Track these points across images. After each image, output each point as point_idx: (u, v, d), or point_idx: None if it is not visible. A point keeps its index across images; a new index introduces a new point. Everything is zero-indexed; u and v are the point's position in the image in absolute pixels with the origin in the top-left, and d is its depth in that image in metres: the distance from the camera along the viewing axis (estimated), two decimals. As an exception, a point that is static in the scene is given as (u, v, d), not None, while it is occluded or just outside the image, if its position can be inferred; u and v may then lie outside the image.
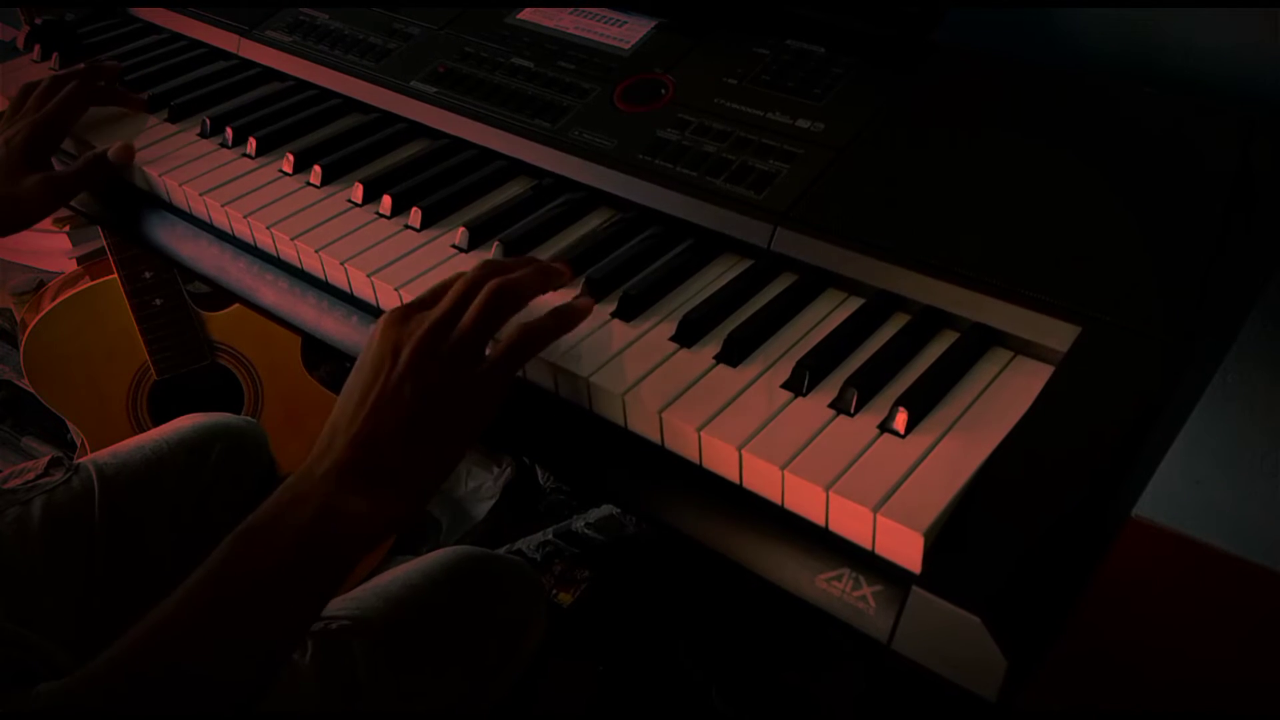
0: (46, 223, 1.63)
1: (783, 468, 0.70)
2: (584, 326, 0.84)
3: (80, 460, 1.23)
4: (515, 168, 1.06)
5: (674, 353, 0.81)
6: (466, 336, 0.76)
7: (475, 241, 0.96)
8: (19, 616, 1.00)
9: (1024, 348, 0.79)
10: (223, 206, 1.05)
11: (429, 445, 0.74)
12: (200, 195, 1.07)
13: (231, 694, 0.70)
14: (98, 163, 1.13)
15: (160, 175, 1.11)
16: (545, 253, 0.94)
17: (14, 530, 1.13)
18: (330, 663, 1.01)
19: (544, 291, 0.84)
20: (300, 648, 1.02)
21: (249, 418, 1.40)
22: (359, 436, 0.73)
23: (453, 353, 0.75)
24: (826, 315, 0.85)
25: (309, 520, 0.71)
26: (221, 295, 1.50)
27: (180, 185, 1.09)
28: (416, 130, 1.14)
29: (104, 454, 1.25)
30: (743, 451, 0.71)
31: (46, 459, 1.21)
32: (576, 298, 0.83)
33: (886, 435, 0.72)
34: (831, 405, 0.75)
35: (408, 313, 0.78)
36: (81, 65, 1.21)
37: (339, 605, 1.08)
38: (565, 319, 0.81)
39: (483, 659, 1.10)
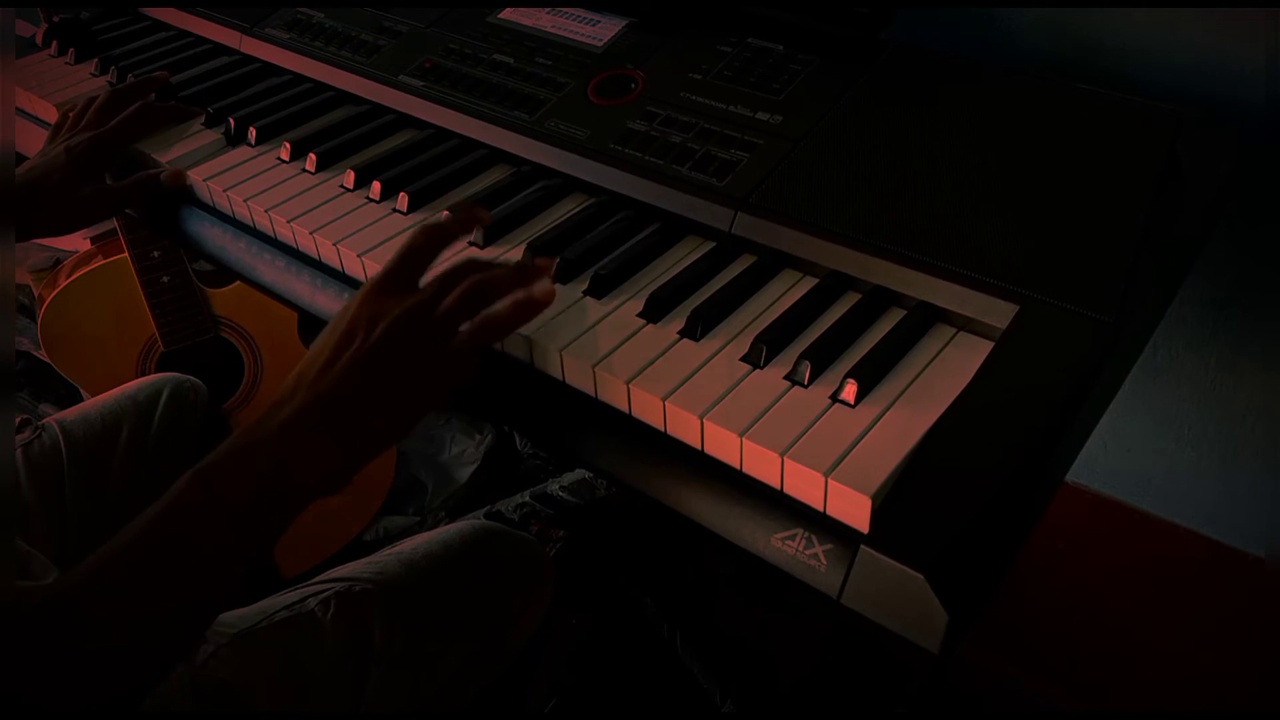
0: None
1: (741, 435, 0.69)
2: (558, 303, 0.82)
3: (45, 421, 1.25)
4: (495, 156, 1.05)
5: (641, 328, 0.81)
6: (437, 326, 0.75)
7: (458, 224, 0.95)
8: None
9: (966, 324, 0.79)
10: (225, 191, 1.03)
11: (382, 413, 0.73)
12: (204, 180, 1.05)
13: (169, 627, 0.68)
14: (148, 183, 1.08)
15: (166, 162, 1.09)
16: (524, 234, 0.93)
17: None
18: (350, 623, 1.00)
19: (520, 289, 0.80)
20: (323, 606, 1.01)
21: (192, 377, 1.40)
22: (323, 391, 0.71)
23: (422, 338, 0.74)
24: (783, 294, 0.84)
25: (265, 463, 0.69)
26: (224, 273, 1.49)
27: (186, 171, 1.07)
28: (404, 121, 1.12)
29: (70, 412, 1.28)
30: (704, 420, 0.71)
31: (18, 419, 1.24)
32: (538, 284, 0.80)
33: (838, 405, 0.71)
34: (787, 377, 0.74)
35: (387, 289, 0.77)
36: (140, 96, 1.15)
37: (361, 568, 1.07)
38: (524, 310, 0.78)
39: (492, 630, 1.09)
